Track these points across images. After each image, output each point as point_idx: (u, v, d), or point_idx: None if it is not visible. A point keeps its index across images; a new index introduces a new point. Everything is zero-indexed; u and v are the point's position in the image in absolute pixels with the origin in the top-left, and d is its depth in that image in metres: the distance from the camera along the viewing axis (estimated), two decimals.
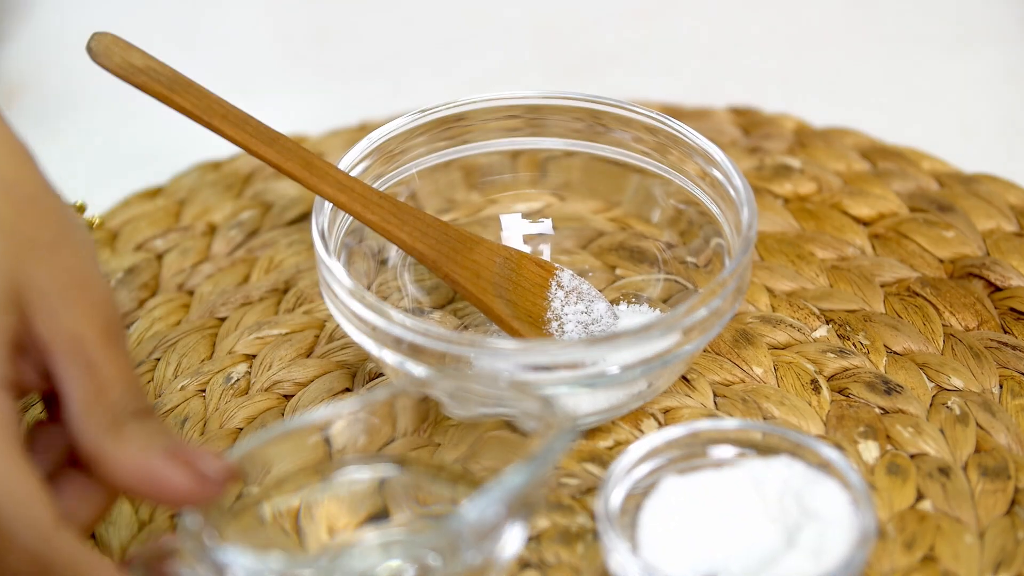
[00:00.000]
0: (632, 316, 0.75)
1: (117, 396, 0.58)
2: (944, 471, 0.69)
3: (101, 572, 0.57)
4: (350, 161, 0.73)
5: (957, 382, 0.73)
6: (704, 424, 0.66)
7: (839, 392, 0.73)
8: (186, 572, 0.58)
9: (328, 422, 0.64)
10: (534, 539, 0.67)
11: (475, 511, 0.57)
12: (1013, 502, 0.68)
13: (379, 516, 0.64)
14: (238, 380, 0.74)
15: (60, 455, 0.59)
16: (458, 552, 0.59)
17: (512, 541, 0.60)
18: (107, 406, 0.58)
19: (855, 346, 0.75)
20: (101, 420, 0.57)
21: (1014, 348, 0.74)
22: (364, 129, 0.88)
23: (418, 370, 0.67)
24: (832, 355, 0.74)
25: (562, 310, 0.74)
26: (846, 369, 0.74)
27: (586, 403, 0.69)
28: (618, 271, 0.78)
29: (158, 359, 0.75)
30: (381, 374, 0.73)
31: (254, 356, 0.75)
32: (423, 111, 0.76)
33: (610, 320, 0.74)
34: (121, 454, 0.57)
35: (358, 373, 0.74)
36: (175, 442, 0.58)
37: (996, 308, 0.76)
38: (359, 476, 0.65)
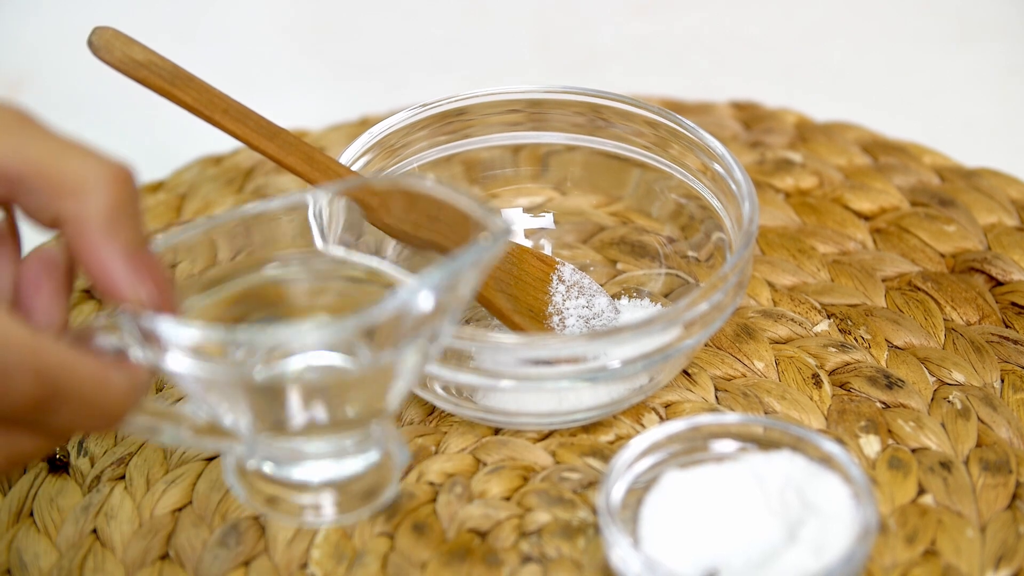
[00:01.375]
0: (633, 310, 0.75)
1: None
2: (945, 465, 0.69)
3: (88, 366, 0.56)
4: (351, 155, 0.73)
5: (958, 376, 0.73)
6: (705, 418, 0.66)
7: (840, 386, 0.73)
8: (107, 340, 0.58)
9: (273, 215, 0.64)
10: (535, 533, 0.67)
11: (390, 302, 0.57)
12: (1014, 496, 0.68)
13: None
14: None
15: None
16: (375, 341, 0.58)
17: (432, 342, 0.60)
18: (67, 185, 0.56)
19: (856, 340, 0.75)
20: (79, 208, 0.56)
21: (1015, 342, 0.74)
22: (365, 123, 0.88)
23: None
24: (833, 349, 0.74)
25: (563, 304, 0.74)
26: (847, 363, 0.74)
27: (587, 397, 0.69)
28: (619, 265, 0.78)
29: None
30: None
31: None
32: (424, 105, 0.76)
33: (611, 314, 0.74)
34: (86, 256, 0.56)
35: None
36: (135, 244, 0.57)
37: (997, 302, 0.76)
38: (291, 273, 0.64)
